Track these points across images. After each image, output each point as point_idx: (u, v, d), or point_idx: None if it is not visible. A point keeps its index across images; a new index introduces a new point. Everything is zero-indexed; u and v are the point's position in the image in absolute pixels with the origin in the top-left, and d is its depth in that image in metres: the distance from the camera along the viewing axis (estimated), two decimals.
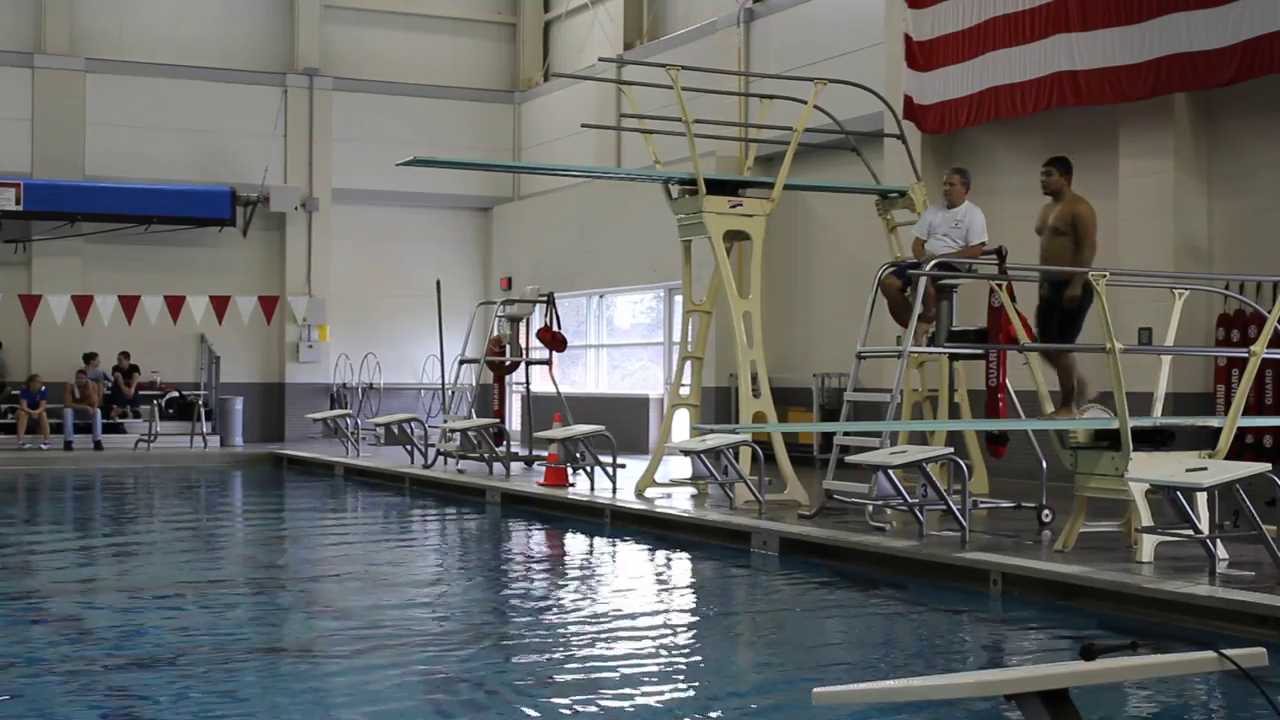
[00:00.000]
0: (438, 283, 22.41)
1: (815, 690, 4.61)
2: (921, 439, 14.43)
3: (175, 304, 27.11)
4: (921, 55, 18.76)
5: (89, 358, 26.44)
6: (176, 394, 27.16)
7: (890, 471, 12.06)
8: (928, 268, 13.31)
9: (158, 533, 16.59)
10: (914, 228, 14.87)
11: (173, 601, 11.10)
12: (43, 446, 25.21)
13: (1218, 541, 10.38)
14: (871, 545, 12.16)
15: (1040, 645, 9.57)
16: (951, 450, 12.62)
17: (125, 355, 26.89)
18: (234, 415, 27.10)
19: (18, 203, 25.90)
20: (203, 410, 26.60)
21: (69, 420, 25.54)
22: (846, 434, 13.71)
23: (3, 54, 26.92)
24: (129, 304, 26.83)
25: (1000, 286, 13.13)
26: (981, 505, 13.51)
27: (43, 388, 25.60)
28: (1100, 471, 11.20)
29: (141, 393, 26.90)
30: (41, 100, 27.10)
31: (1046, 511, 12.85)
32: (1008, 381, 13.62)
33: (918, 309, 13.31)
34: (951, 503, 12.01)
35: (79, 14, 27.70)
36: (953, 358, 14.19)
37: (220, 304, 27.49)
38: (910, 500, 12.29)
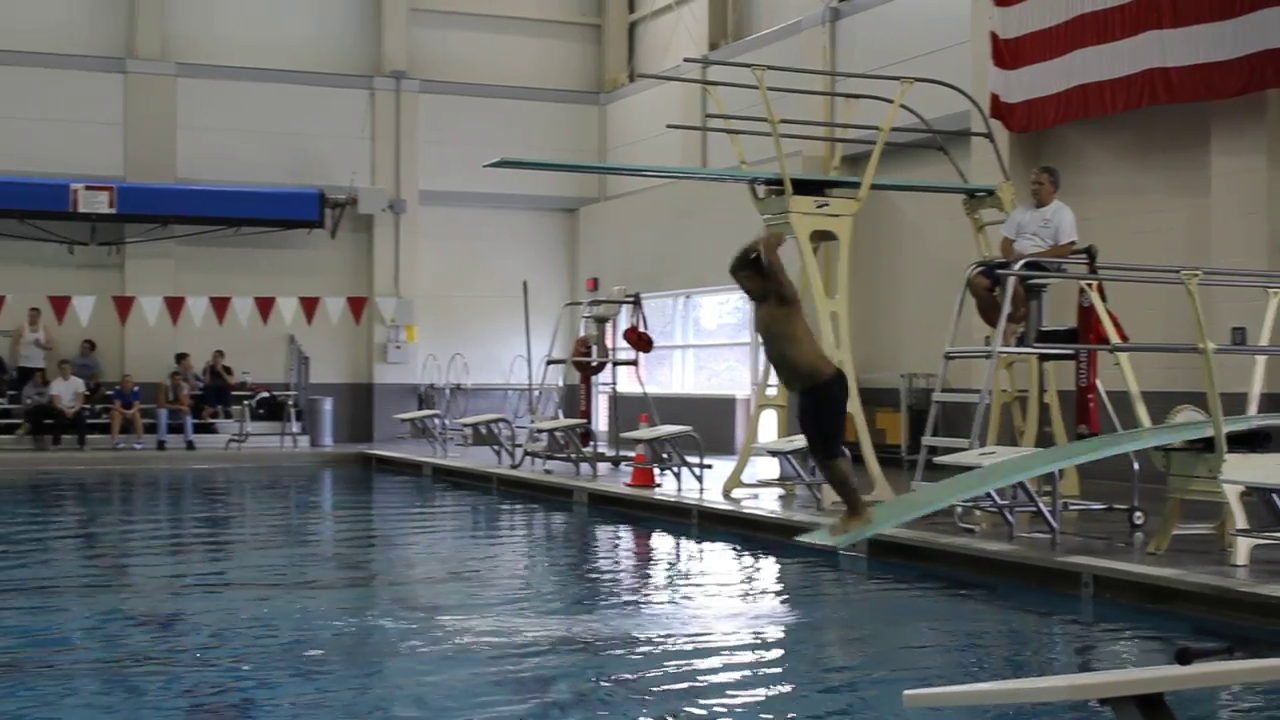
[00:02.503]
0: (524, 284, 22.51)
1: (906, 692, 4.59)
2: (1011, 440, 14.33)
3: (265, 305, 27.47)
4: (1008, 53, 18.61)
5: (180, 358, 26.77)
6: (267, 394, 27.42)
7: None
8: (1016, 267, 13.20)
9: (248, 531, 16.79)
10: (1002, 227, 14.76)
11: (262, 599, 11.20)
12: (136, 446, 25.56)
13: None
14: (961, 547, 12.08)
15: (1133, 649, 9.48)
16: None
17: (220, 354, 27.22)
18: (323, 415, 27.30)
19: (111, 206, 26.27)
20: (293, 410, 26.84)
21: (163, 420, 25.88)
22: (935, 435, 13.62)
23: (96, 59, 27.31)
24: (220, 305, 27.21)
25: (1090, 286, 13.00)
26: (1072, 507, 13.37)
27: (135, 388, 25.95)
28: (1194, 473, 11.08)
29: (233, 393, 27.20)
30: (133, 104, 27.48)
31: (1138, 514, 12.69)
32: (1098, 382, 13.49)
33: (1006, 309, 13.19)
34: (1042, 504, 11.91)
35: (170, 19, 28.06)
36: (1042, 358, 14.06)
37: (309, 305, 27.80)
38: (1000, 502, 12.21)
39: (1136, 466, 12.91)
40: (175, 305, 27.13)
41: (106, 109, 27.27)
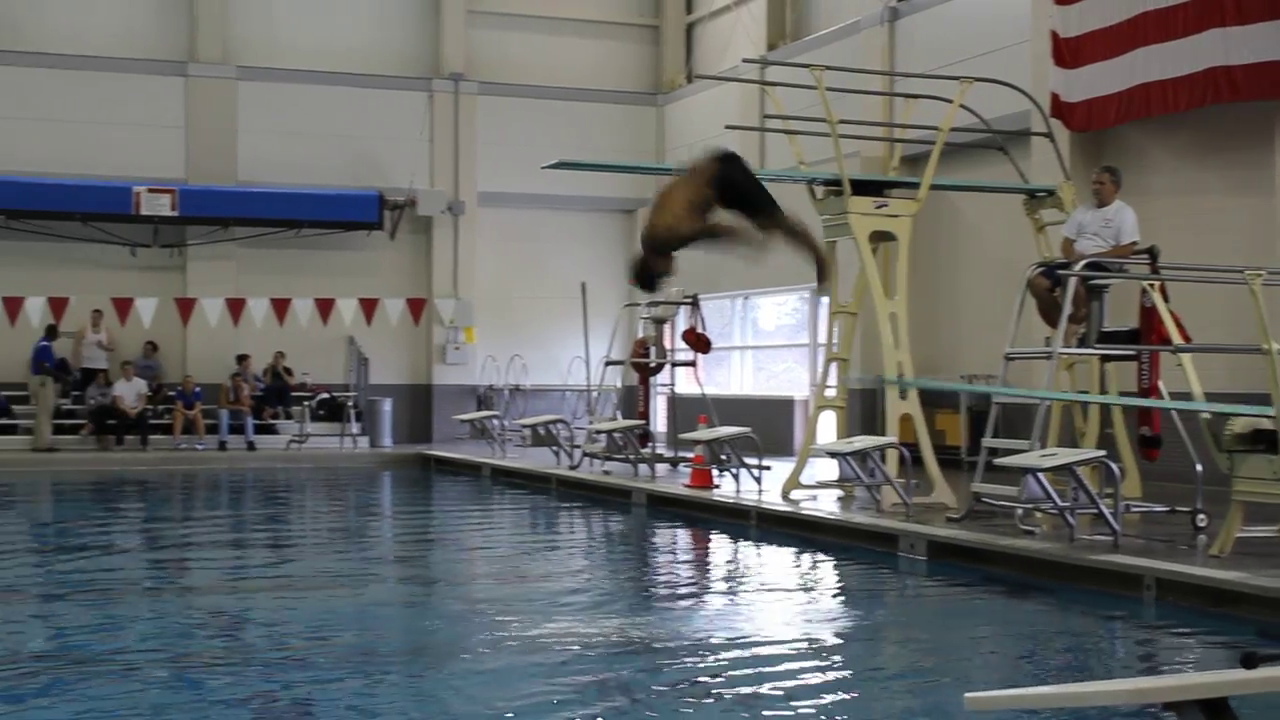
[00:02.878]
0: (583, 285, 22.54)
1: (968, 695, 4.57)
2: (1072, 442, 14.24)
3: (325, 306, 27.63)
4: (1068, 52, 18.49)
5: (241, 359, 26.97)
6: (327, 395, 27.57)
7: (1040, 474, 11.91)
8: (1077, 268, 13.12)
9: (309, 531, 16.89)
10: (1063, 227, 14.67)
11: (320, 600, 11.27)
12: (198, 446, 25.76)
13: None
14: (1021, 549, 12.01)
15: (1196, 653, 9.40)
16: (1104, 453, 12.43)
17: (280, 355, 27.41)
18: (383, 416, 27.41)
19: (173, 208, 26.49)
20: (352, 411, 26.97)
21: (224, 421, 26.07)
22: (995, 436, 13.54)
23: (158, 63, 27.54)
24: (280, 307, 27.39)
25: (1152, 286, 12.90)
26: (1134, 509, 13.27)
27: (197, 388, 26.16)
28: (1257, 475, 10.96)
29: (293, 394, 27.38)
30: (195, 108, 27.70)
31: (1201, 516, 12.59)
32: (1160, 383, 13.38)
33: (1067, 310, 13.11)
34: (1103, 506, 11.83)
35: (230, 23, 28.27)
36: (1104, 359, 13.97)
37: (369, 306, 27.95)
38: (1060, 504, 12.13)
39: (1199, 468, 12.81)
40: (236, 307, 27.35)
41: (168, 112, 27.50)
